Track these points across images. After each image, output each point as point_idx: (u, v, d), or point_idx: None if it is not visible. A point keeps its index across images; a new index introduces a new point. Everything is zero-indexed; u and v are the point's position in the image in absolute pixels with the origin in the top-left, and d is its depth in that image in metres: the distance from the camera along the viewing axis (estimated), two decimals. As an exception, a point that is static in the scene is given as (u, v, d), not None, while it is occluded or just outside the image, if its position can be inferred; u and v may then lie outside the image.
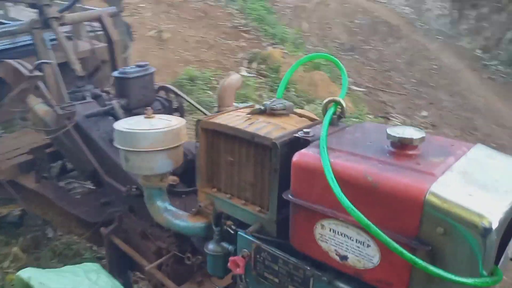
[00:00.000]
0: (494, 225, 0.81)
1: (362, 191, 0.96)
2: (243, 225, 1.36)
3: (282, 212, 1.21)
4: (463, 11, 10.84)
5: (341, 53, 9.77)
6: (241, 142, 1.28)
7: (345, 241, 1.03)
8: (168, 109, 2.32)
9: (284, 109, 1.35)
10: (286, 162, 1.16)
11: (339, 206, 1.00)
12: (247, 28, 9.16)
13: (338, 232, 1.04)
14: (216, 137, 1.36)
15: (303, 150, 1.09)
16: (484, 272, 0.82)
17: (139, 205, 1.97)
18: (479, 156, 1.04)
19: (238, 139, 1.28)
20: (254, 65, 8.09)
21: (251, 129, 1.25)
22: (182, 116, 2.37)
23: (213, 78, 6.53)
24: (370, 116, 6.54)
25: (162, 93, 2.39)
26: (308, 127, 1.25)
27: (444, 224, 0.85)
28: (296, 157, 1.08)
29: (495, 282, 0.83)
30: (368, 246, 0.99)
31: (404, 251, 0.85)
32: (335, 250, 1.06)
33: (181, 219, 1.57)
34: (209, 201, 1.41)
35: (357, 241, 1.01)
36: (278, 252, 1.21)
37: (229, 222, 1.40)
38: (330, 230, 1.05)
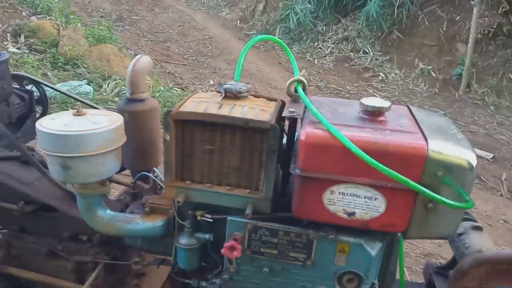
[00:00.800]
0: (475, 164, 1.15)
1: (374, 156, 1.15)
2: (215, 213, 1.38)
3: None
4: (220, -16, 11.83)
5: (111, 24, 9.30)
6: (223, 129, 1.27)
7: (353, 200, 1.22)
8: (29, 102, 1.91)
9: (248, 92, 1.39)
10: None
11: (351, 172, 1.18)
12: (-7, -6, 7.70)
13: (347, 193, 1.21)
14: (189, 127, 1.29)
15: (308, 129, 1.20)
16: (470, 198, 1.16)
17: (35, 223, 1.65)
18: (422, 115, 1.38)
19: (219, 126, 1.27)
20: (22, 39, 6.96)
21: (237, 114, 1.26)
22: (46, 108, 2.00)
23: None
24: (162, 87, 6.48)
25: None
26: (282, 106, 1.35)
27: (442, 168, 1.14)
28: (305, 136, 1.19)
29: (473, 205, 1.18)
30: (376, 199, 1.21)
31: (427, 190, 1.11)
32: (343, 209, 1.23)
33: (135, 223, 1.43)
34: (183, 195, 1.34)
35: (365, 197, 1.21)
36: (278, 225, 1.31)
37: (201, 212, 1.38)
38: (339, 194, 1.22)
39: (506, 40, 7.58)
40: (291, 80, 1.39)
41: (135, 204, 1.60)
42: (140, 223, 1.42)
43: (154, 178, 1.56)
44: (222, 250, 1.32)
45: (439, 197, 1.11)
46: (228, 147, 1.29)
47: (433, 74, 7.98)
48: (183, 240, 1.41)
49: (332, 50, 8.94)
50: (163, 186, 1.54)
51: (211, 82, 7.78)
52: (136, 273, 1.73)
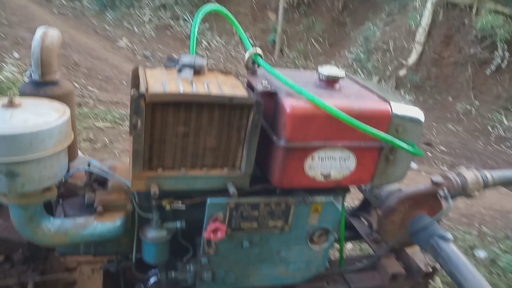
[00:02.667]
0: (423, 119, 1.36)
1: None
2: (180, 198, 1.29)
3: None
4: None
5: None
6: (199, 109, 1.17)
7: (330, 163, 1.30)
8: None
9: (206, 65, 1.29)
10: None
11: (331, 137, 1.26)
12: None
13: (325, 157, 1.29)
14: (161, 110, 1.14)
15: (291, 102, 1.20)
16: (420, 147, 1.37)
17: None
18: (359, 79, 1.53)
19: (196, 107, 1.16)
20: None
21: (216, 92, 1.17)
22: None
23: None
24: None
25: None
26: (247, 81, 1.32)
27: (402, 124, 1.32)
28: (290, 109, 1.19)
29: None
30: (349, 158, 1.32)
31: (395, 139, 1.27)
32: (321, 172, 1.31)
33: (92, 226, 1.21)
34: (155, 185, 1.19)
35: (340, 158, 1.31)
36: (259, 198, 1.30)
37: (168, 200, 1.27)
38: (318, 159, 1.28)
39: (307, 10, 8.63)
40: (249, 53, 1.37)
41: (65, 205, 1.33)
42: (98, 225, 1.21)
43: (97, 171, 1.31)
44: (205, 234, 1.24)
45: (411, 149, 1.29)
46: (205, 127, 1.20)
47: (251, 41, 8.54)
48: (152, 234, 1.27)
49: (152, 18, 8.62)
50: (108, 179, 1.34)
51: (16, 55, 6.62)
52: (66, 283, 1.47)
